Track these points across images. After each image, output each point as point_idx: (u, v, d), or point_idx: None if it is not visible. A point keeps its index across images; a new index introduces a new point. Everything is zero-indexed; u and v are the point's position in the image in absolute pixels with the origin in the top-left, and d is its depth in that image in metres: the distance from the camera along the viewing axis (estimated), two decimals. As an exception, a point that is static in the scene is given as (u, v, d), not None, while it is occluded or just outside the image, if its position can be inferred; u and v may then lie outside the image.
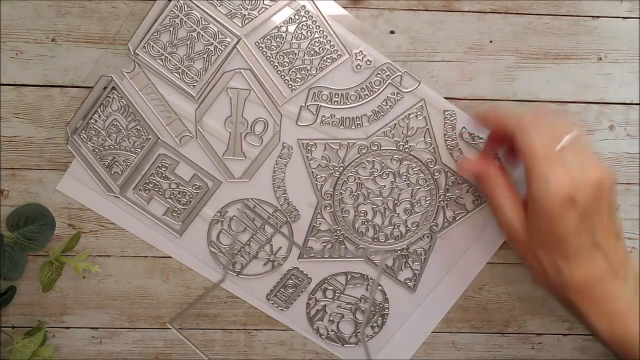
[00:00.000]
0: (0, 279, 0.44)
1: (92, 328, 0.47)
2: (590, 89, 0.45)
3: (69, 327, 0.47)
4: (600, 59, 0.45)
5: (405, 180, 0.46)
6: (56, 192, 0.45)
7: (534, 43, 0.45)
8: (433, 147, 0.45)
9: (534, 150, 0.37)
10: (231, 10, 0.43)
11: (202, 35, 0.43)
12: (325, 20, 0.43)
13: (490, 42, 0.45)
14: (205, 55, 0.43)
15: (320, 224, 0.46)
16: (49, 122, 0.44)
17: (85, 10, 0.43)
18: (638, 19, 0.45)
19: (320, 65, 0.44)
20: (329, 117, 0.45)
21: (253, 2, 0.43)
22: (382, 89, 0.44)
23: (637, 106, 0.46)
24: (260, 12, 0.43)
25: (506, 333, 0.49)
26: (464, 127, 0.45)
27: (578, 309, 0.39)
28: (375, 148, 0.45)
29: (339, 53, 0.44)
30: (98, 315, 0.47)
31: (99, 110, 0.44)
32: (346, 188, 0.46)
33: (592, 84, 0.45)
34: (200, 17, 0.43)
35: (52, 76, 0.44)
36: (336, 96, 0.44)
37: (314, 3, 0.43)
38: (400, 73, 0.44)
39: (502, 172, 0.42)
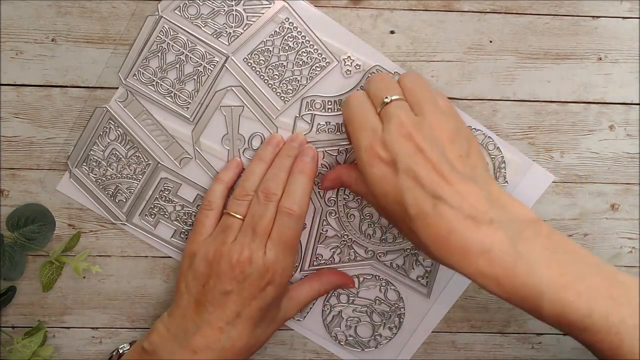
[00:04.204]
0: (0, 279, 0.44)
1: (92, 328, 0.47)
2: (590, 89, 0.45)
3: (69, 327, 0.47)
4: (600, 59, 0.45)
5: None
6: (56, 192, 0.45)
7: (534, 43, 0.45)
8: None
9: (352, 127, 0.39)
10: (216, 30, 0.43)
11: (190, 57, 0.43)
12: (310, 29, 0.43)
13: (490, 42, 0.45)
14: (195, 77, 0.44)
15: (327, 230, 0.46)
16: (49, 122, 0.44)
17: (85, 10, 0.43)
18: (638, 19, 0.45)
19: (310, 74, 0.44)
20: (324, 125, 0.45)
21: (237, 19, 0.43)
22: None
23: (637, 106, 0.46)
24: (245, 29, 0.43)
25: (506, 333, 0.49)
26: None
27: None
28: None
29: (327, 61, 0.44)
30: (98, 315, 0.47)
31: (97, 141, 0.44)
32: (349, 193, 0.46)
33: (592, 84, 0.45)
34: (187, 40, 0.43)
35: (52, 76, 0.44)
36: (329, 103, 0.44)
37: (296, 14, 0.43)
38: (390, 74, 0.44)
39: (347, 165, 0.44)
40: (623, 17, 0.45)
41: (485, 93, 0.45)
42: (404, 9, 0.44)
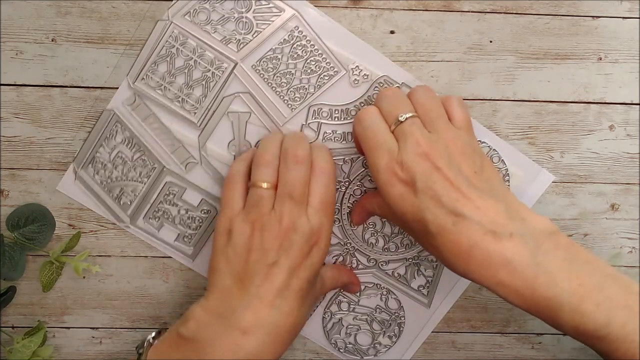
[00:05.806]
0: (0, 279, 0.44)
1: (92, 328, 0.47)
2: (590, 89, 0.45)
3: (69, 327, 0.47)
4: (600, 59, 0.45)
5: None
6: (56, 192, 0.45)
7: (534, 43, 0.45)
8: None
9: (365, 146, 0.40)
10: (226, 36, 0.43)
11: (199, 62, 0.43)
12: (320, 38, 0.43)
13: (490, 42, 0.45)
14: (203, 82, 0.44)
15: None
16: (49, 122, 0.44)
17: (85, 10, 0.43)
18: (638, 19, 0.45)
19: (317, 83, 0.44)
20: (330, 134, 0.45)
21: (247, 26, 0.43)
22: None
23: (637, 106, 0.46)
24: (254, 36, 0.43)
25: (506, 333, 0.49)
26: None
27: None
28: None
29: (335, 70, 0.44)
30: (98, 315, 0.47)
31: (103, 143, 0.44)
32: (353, 201, 0.46)
33: (592, 84, 0.45)
34: (196, 45, 0.43)
35: (52, 76, 0.44)
36: (336, 112, 0.44)
37: (306, 22, 0.43)
38: (397, 85, 0.44)
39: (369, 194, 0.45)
40: (623, 17, 0.45)
41: (485, 93, 0.45)
42: (404, 9, 0.44)
